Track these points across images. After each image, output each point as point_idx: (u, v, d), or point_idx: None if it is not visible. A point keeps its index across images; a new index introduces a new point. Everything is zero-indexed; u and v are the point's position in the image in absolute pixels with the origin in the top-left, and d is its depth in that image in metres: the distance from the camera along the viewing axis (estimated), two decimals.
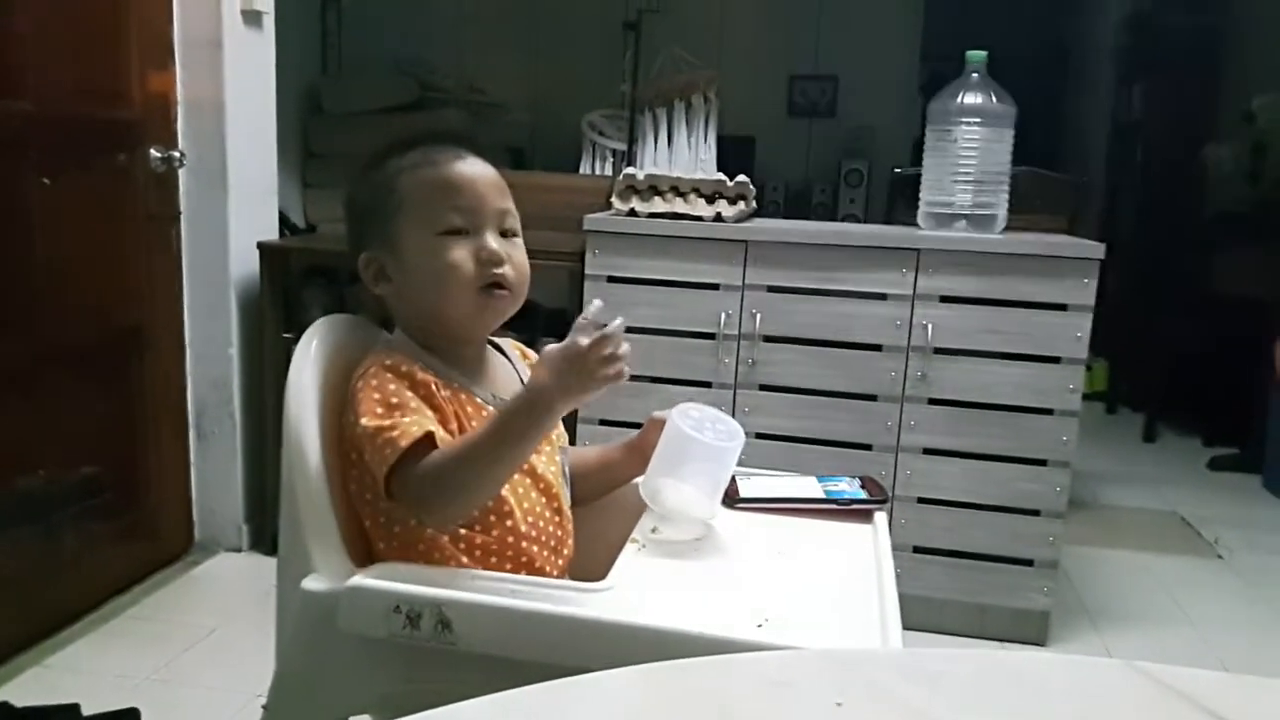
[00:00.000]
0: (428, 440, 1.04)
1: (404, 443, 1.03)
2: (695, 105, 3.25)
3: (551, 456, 1.23)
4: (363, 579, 1.03)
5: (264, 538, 2.81)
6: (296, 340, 1.19)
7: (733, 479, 1.29)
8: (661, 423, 1.18)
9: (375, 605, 1.00)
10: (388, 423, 1.05)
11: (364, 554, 1.13)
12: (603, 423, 2.51)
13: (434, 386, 1.11)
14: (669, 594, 1.04)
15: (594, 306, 1.08)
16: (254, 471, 2.80)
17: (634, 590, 1.03)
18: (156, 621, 2.40)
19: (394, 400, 1.07)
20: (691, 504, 1.15)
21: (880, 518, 1.25)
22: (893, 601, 1.03)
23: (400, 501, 1.06)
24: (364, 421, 1.06)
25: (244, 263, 2.72)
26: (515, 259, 1.16)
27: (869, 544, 1.19)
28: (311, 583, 1.05)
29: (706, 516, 1.17)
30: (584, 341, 1.03)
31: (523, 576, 1.09)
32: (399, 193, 1.15)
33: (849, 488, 1.31)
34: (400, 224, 1.14)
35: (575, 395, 1.04)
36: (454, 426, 1.11)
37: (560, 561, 1.20)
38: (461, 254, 1.12)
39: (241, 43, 2.65)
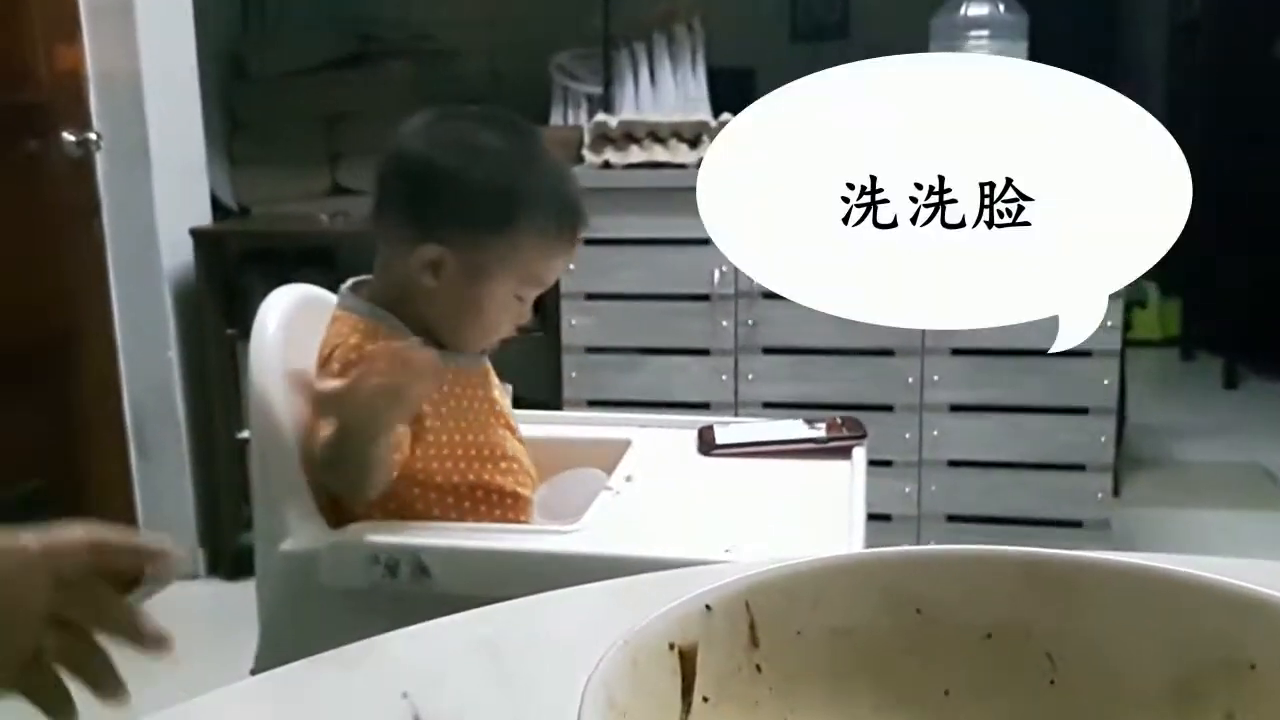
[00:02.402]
0: None
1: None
2: (679, 36, 3.47)
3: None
4: (342, 535, 1.31)
5: (223, 560, 3.05)
6: (241, 337, 1.46)
7: (711, 428, 1.58)
8: None
9: (355, 558, 1.28)
10: None
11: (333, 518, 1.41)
12: (591, 404, 2.78)
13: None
14: (642, 531, 1.32)
15: None
16: (206, 486, 3.04)
17: (608, 529, 1.31)
18: None
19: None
20: None
21: (859, 453, 1.52)
22: (859, 525, 1.31)
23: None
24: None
25: (177, 253, 2.96)
26: None
27: (845, 477, 1.47)
28: (290, 544, 1.32)
29: None
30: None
31: (494, 525, 1.38)
32: (517, 236, 1.40)
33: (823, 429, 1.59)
34: (496, 257, 1.40)
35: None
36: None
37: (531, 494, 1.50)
38: (516, 311, 1.45)
39: (154, 6, 2.90)
